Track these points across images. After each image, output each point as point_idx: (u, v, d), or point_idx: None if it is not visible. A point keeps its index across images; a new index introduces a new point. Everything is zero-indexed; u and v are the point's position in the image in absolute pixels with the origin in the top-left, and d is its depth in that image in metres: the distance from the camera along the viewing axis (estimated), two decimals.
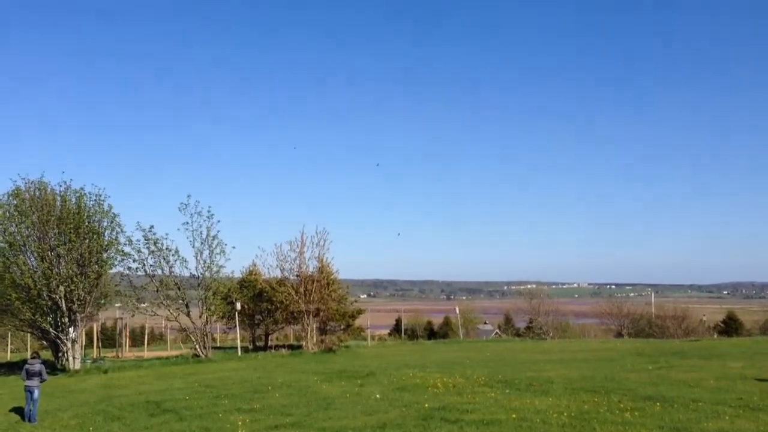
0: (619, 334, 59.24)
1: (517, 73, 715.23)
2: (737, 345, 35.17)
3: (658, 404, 14.87)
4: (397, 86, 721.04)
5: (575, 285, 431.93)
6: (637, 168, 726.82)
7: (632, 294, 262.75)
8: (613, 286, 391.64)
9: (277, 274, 42.07)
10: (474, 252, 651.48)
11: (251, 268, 46.97)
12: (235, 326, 42.51)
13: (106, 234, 32.88)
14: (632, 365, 24.67)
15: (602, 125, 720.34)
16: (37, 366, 18.76)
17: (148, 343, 53.27)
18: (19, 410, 19.56)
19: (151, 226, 34.91)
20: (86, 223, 31.73)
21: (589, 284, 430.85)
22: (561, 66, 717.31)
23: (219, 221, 36.06)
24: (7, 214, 31.30)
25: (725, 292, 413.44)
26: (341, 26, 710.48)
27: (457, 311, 64.72)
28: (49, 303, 31.10)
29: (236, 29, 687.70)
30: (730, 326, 68.46)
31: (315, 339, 39.95)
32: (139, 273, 35.53)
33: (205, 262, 35.88)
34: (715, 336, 57.79)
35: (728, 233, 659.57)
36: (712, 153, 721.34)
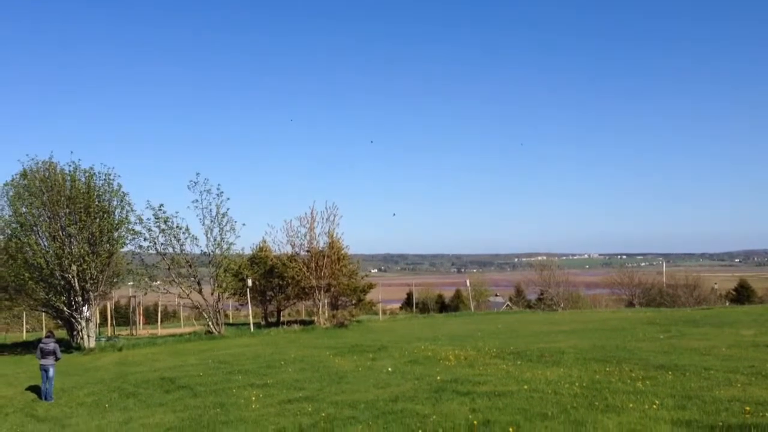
0: (631, 304, 59.24)
1: (527, 47, 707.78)
2: (749, 312, 35.06)
3: (669, 373, 14.86)
4: (405, 60, 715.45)
5: (586, 256, 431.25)
6: (647, 138, 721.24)
7: (643, 264, 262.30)
8: (624, 257, 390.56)
9: (288, 250, 42.26)
10: (484, 225, 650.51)
11: (261, 245, 47.11)
12: (247, 303, 42.74)
13: (116, 213, 33.01)
14: (644, 334, 24.65)
15: (610, 96, 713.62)
16: (51, 345, 18.95)
17: (161, 321, 53.62)
18: (35, 388, 19.83)
19: (161, 205, 35.03)
20: (96, 203, 31.83)
21: (599, 255, 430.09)
22: (567, 41, 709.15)
23: (228, 198, 36.14)
24: (18, 194, 31.47)
25: (737, 260, 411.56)
26: (345, 8, 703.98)
27: (468, 284, 64.85)
28: (62, 282, 31.35)
29: (243, 11, 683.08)
30: (742, 294, 68.33)
31: (326, 314, 40.13)
32: (151, 251, 35.71)
33: (215, 239, 36.02)
34: (727, 304, 57.67)
35: (740, 201, 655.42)
36: (722, 122, 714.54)
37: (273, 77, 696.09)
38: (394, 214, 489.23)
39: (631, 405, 11.61)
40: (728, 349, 18.85)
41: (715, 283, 68.31)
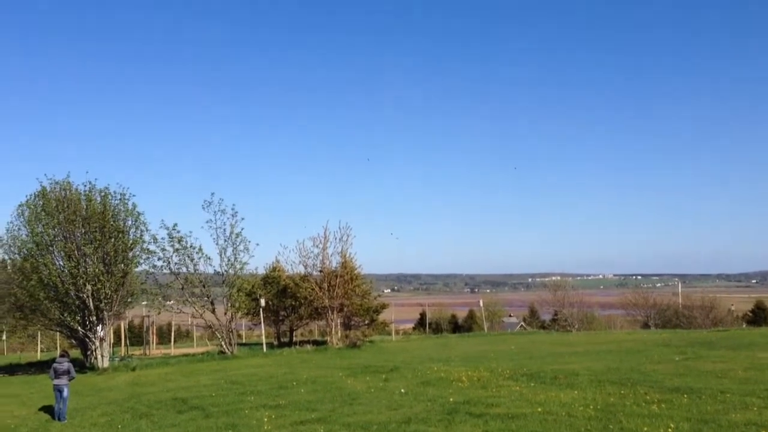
0: (646, 325, 58.69)
1: (536, 64, 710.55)
2: (766, 335, 34.66)
3: (685, 396, 14.71)
4: (419, 77, 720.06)
5: (600, 276, 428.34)
6: (661, 157, 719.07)
7: (659, 284, 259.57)
8: (639, 277, 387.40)
9: (301, 270, 42.22)
10: (498, 245, 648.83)
11: (275, 265, 47.18)
12: (260, 322, 42.76)
13: (131, 233, 33.25)
14: (659, 356, 24.42)
15: (622, 114, 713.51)
16: (65, 365, 19.01)
17: (174, 341, 53.79)
18: (49, 409, 19.88)
19: (175, 224, 35.26)
20: (111, 222, 32.09)
21: (614, 275, 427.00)
22: (582, 54, 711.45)
23: (243, 218, 36.29)
24: (34, 214, 31.77)
25: (754, 281, 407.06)
26: (359, 25, 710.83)
27: (482, 304, 64.55)
28: (77, 302, 31.54)
29: (262, 28, 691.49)
30: (759, 315, 67.66)
31: (339, 334, 40.05)
32: (165, 271, 35.86)
33: (229, 259, 36.10)
34: (744, 326, 57.06)
35: (756, 221, 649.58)
36: (737, 141, 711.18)
37: (288, 93, 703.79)
38: (392, 234, 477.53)
39: (645, 428, 11.51)
40: (745, 372, 18.64)
41: (732, 305, 67.60)
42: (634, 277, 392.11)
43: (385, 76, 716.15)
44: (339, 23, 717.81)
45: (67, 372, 18.94)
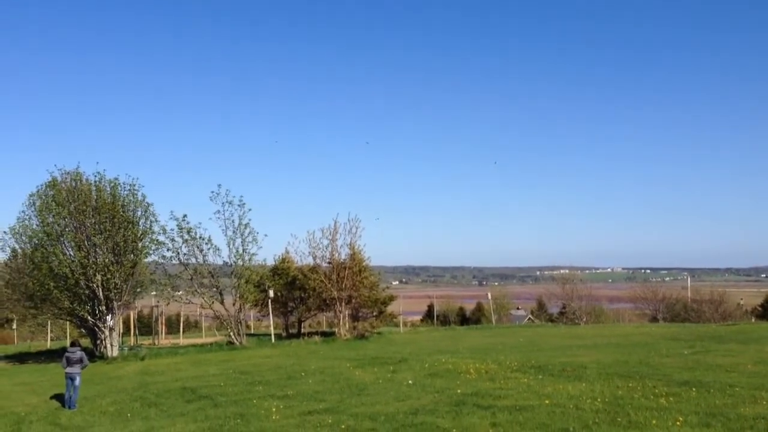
0: (654, 319, 58.51)
1: (547, 52, 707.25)
2: None
3: (693, 389, 14.67)
4: (429, 66, 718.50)
5: (609, 270, 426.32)
6: (672, 150, 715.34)
7: (668, 278, 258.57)
8: (648, 271, 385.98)
9: (310, 261, 42.28)
10: (506, 237, 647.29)
11: (284, 256, 47.21)
12: (269, 313, 42.88)
13: (140, 223, 33.37)
14: (667, 350, 24.35)
15: (634, 106, 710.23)
16: (78, 353, 19.19)
17: (183, 331, 54.00)
18: (59, 397, 20.04)
19: (185, 215, 35.38)
20: (121, 213, 32.20)
21: (623, 269, 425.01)
22: (596, 42, 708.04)
23: (250, 209, 36.39)
24: (45, 204, 31.94)
25: (764, 276, 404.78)
26: (366, 19, 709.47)
27: (490, 297, 64.45)
28: (87, 292, 31.69)
29: (272, 17, 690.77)
30: None
31: (347, 326, 40.11)
32: (174, 261, 36.01)
33: (237, 250, 36.24)
34: (753, 320, 56.79)
35: (766, 214, 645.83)
36: (748, 133, 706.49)
37: (296, 83, 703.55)
38: (377, 218, 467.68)
39: (654, 422, 11.49)
40: (754, 366, 18.57)
41: (741, 299, 67.31)
42: (642, 270, 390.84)
43: (392, 68, 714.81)
44: (346, 17, 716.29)
45: (80, 361, 19.12)
